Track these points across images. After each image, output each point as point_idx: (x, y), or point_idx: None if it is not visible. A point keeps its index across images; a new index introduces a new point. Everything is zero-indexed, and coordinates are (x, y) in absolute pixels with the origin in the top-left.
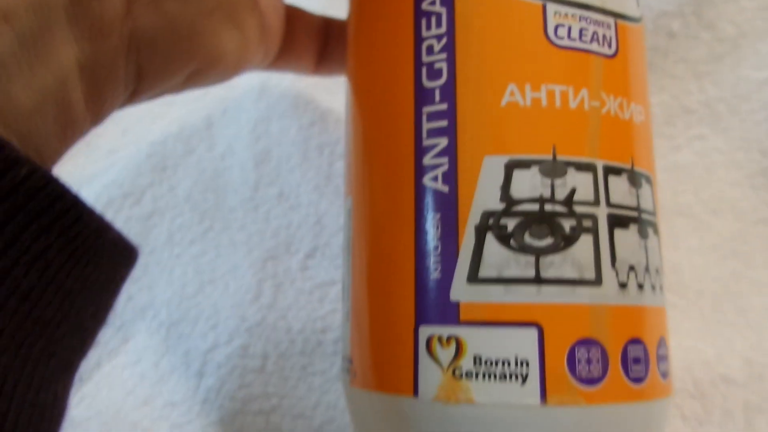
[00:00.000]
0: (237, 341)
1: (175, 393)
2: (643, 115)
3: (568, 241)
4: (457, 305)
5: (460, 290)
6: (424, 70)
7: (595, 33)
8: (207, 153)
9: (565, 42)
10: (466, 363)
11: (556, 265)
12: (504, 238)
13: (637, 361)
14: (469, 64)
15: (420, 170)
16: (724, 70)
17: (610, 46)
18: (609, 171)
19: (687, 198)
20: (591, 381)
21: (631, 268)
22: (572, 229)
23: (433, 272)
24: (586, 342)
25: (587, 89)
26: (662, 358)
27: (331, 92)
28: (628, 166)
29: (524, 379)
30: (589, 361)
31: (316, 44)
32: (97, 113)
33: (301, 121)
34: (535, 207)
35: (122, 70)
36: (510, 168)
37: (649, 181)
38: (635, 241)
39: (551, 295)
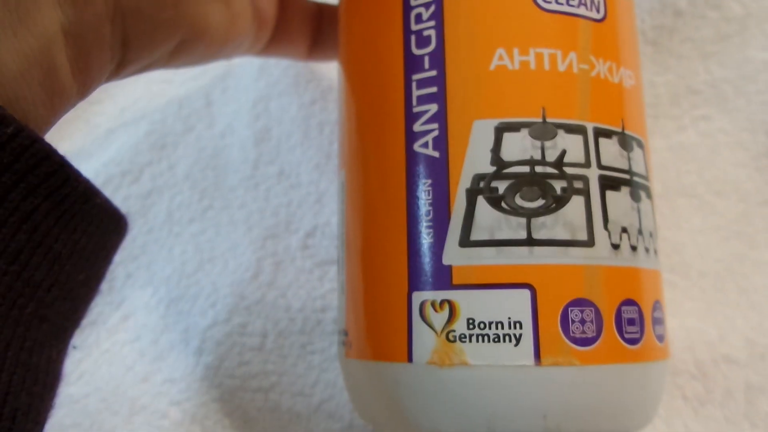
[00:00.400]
0: (236, 319)
1: (175, 370)
2: (633, 79)
3: (559, 202)
4: (449, 269)
5: (453, 254)
6: (413, 38)
7: None
8: (206, 131)
9: (553, 6)
10: (460, 326)
11: (547, 227)
12: (495, 201)
13: (631, 322)
14: (458, 30)
15: (411, 137)
16: (730, 50)
17: (598, 10)
18: (599, 133)
19: (691, 178)
20: (585, 341)
21: (624, 229)
22: (563, 190)
23: (426, 237)
24: (580, 302)
25: (575, 52)
26: (658, 321)
27: (331, 70)
28: (618, 128)
29: (518, 341)
30: (582, 322)
31: (310, 30)
32: (83, 82)
33: (301, 99)
34: (526, 169)
35: (108, 38)
36: (500, 131)
37: (640, 145)
38: (627, 204)
39: (543, 257)
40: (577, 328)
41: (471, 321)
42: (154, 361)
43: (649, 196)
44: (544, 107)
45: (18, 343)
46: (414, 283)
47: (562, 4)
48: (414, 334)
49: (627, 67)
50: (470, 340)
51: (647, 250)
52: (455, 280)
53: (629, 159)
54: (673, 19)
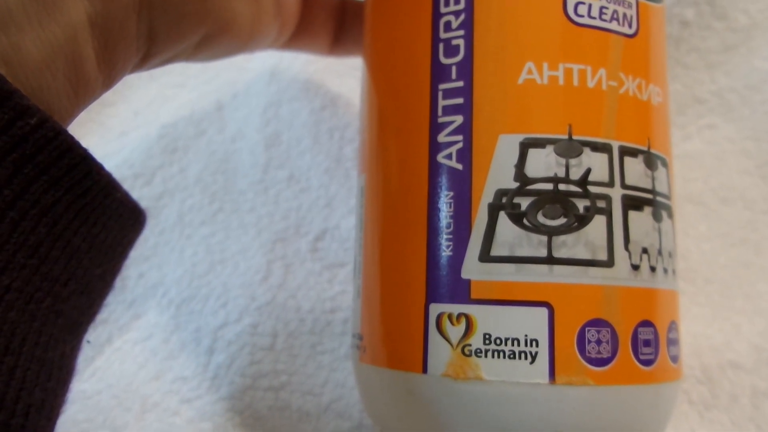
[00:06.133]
0: (247, 320)
1: (186, 368)
2: (661, 96)
3: (581, 221)
4: (468, 283)
5: (472, 268)
6: (441, 47)
7: (615, 12)
8: (217, 135)
9: (585, 20)
10: (476, 341)
11: (568, 246)
12: (517, 217)
13: (647, 343)
14: (487, 41)
15: (435, 147)
16: (736, 60)
17: (630, 25)
18: (625, 152)
19: (697, 186)
20: (600, 362)
21: (644, 250)
22: (586, 209)
23: (445, 250)
24: (597, 323)
25: (605, 69)
26: (673, 342)
27: (341, 76)
28: (644, 147)
29: (533, 358)
30: (599, 342)
31: (333, 24)
32: (108, 74)
33: (312, 104)
34: (550, 186)
35: (134, 29)
36: (525, 147)
37: (665, 164)
38: (649, 224)
39: (563, 275)
40: (593, 348)
41: (488, 336)
42: (165, 359)
43: (670, 216)
44: (570, 124)
45: (33, 338)
46: (432, 295)
47: (594, 18)
48: (429, 345)
49: (656, 84)
50: (486, 355)
51: (666, 270)
52: (473, 295)
53: (653, 178)
54: (680, 29)
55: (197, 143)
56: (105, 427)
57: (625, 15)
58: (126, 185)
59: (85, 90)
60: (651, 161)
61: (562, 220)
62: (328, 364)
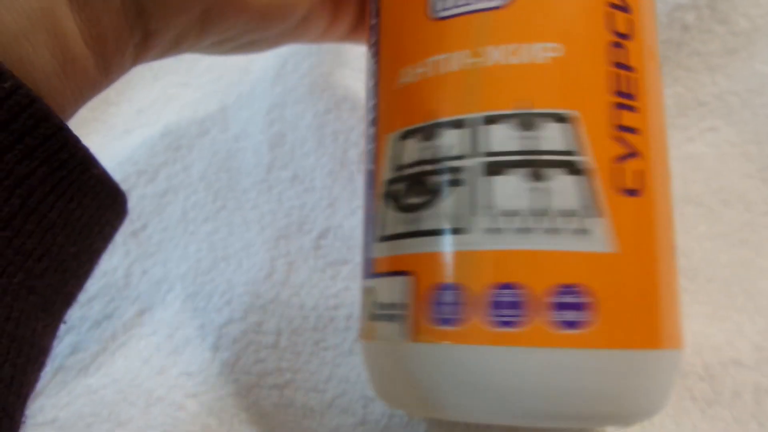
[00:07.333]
0: (252, 317)
1: (191, 364)
2: (556, 51)
3: (437, 195)
4: (372, 261)
5: (374, 248)
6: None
7: None
8: (221, 134)
9: (448, 12)
10: (375, 308)
11: (428, 219)
12: (396, 201)
13: (506, 305)
14: (385, 55)
15: (366, 156)
16: (737, 63)
17: None
18: (489, 120)
19: (698, 187)
20: (451, 322)
21: (512, 213)
22: (442, 183)
23: (367, 236)
24: (450, 287)
25: (468, 50)
26: (563, 306)
27: (345, 79)
28: (516, 111)
29: (402, 320)
30: (451, 304)
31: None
32: (101, 54)
33: (316, 107)
34: (415, 170)
35: (117, 3)
36: (400, 140)
37: (561, 118)
38: (519, 186)
39: (423, 246)
40: (445, 309)
41: (379, 303)
42: (170, 354)
43: (575, 171)
44: (432, 110)
45: (4, 313)
46: (362, 272)
47: (458, 6)
48: (361, 314)
49: (545, 40)
50: (378, 320)
51: (553, 230)
52: (375, 270)
53: (530, 138)
54: (681, 33)
55: (201, 142)
56: (110, 420)
57: None
58: (130, 182)
59: (74, 68)
60: (528, 122)
61: (424, 197)
62: (331, 360)
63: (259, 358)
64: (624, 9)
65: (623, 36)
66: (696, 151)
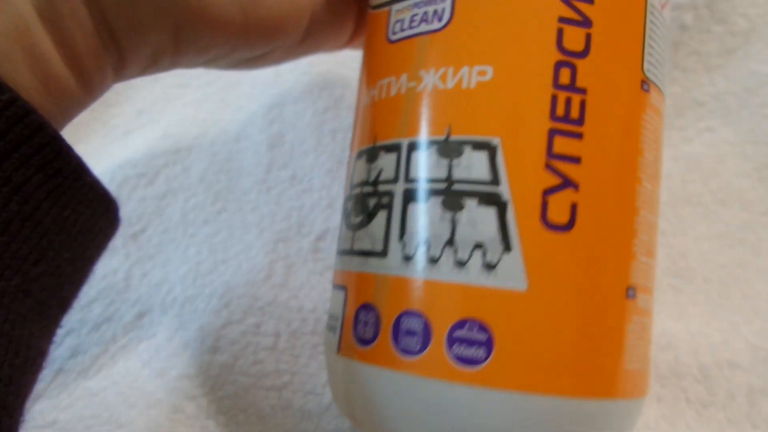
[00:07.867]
0: (250, 319)
1: (190, 366)
2: (485, 75)
3: (370, 217)
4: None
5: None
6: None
7: (425, 14)
8: (221, 136)
9: (398, 35)
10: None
11: (361, 239)
12: (346, 218)
13: (410, 333)
14: (361, 73)
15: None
16: (735, 63)
17: (440, 19)
18: (412, 147)
19: (696, 187)
20: (364, 342)
21: (424, 241)
22: (374, 206)
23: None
24: (367, 307)
25: (407, 73)
26: (462, 341)
27: (344, 78)
28: (439, 137)
29: (335, 332)
30: (365, 324)
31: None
32: (81, 73)
33: (315, 106)
34: (359, 190)
35: (88, 22)
36: (357, 159)
37: (483, 146)
38: (434, 214)
39: (354, 264)
40: (361, 329)
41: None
42: (169, 357)
43: (489, 202)
44: (376, 134)
45: (2, 315)
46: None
47: (404, 29)
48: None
49: (478, 64)
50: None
51: (462, 263)
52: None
53: (450, 167)
54: (679, 33)
55: (200, 143)
56: (110, 422)
57: (435, 11)
58: (130, 184)
59: (57, 86)
60: (447, 149)
61: (360, 217)
62: None
63: (258, 360)
64: (580, 23)
65: (574, 54)
66: (693, 151)
